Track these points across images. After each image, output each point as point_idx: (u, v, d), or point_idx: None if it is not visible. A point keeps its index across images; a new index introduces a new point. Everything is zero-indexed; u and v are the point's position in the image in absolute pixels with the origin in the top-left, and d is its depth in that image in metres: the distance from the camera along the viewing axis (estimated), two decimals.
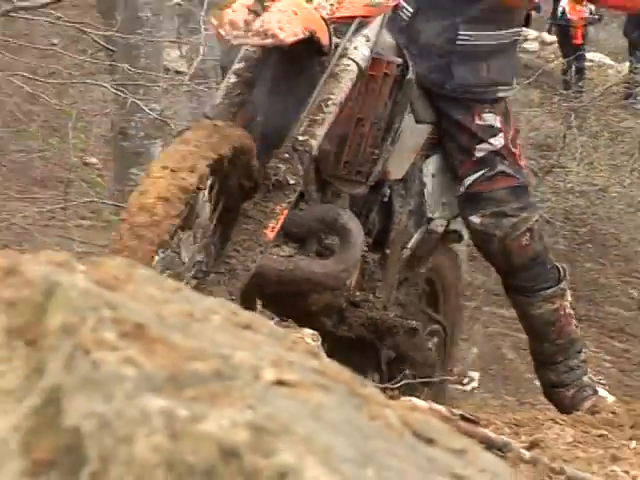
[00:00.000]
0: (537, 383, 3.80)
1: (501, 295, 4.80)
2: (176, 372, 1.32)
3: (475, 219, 3.24)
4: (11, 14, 7.78)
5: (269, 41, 2.52)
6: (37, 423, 1.35)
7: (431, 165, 3.18)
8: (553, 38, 15.91)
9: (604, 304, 10.78)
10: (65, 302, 1.36)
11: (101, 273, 1.47)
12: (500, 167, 3.21)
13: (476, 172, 3.21)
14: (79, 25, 9.06)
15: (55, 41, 12.22)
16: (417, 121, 3.08)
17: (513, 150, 3.26)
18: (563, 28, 14.64)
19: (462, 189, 3.28)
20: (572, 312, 3.49)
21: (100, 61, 10.01)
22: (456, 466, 1.30)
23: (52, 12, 8.47)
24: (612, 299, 11.01)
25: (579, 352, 3.45)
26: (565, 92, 12.65)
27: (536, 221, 3.33)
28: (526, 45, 14.56)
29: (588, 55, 14.82)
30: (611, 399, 3.50)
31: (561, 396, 3.45)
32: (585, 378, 3.47)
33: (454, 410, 2.21)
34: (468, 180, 3.23)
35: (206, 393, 1.32)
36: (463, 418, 2.13)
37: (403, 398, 2.06)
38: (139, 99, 8.57)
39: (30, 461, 1.36)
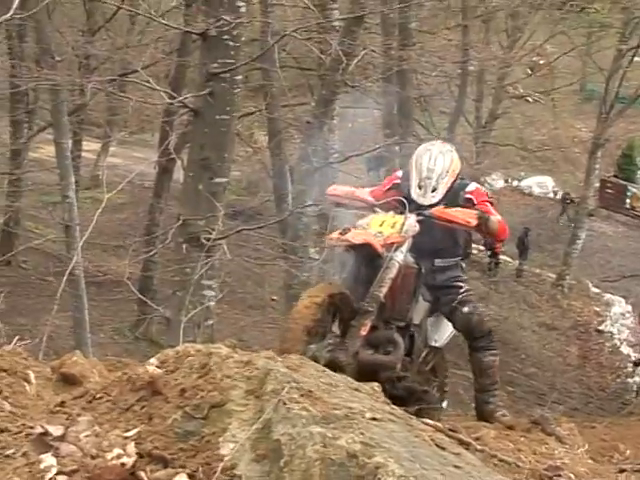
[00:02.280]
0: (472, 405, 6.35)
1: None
2: (326, 414, 2.71)
3: (465, 309, 5.85)
4: None
5: (347, 243, 5.19)
6: (259, 436, 2.74)
7: (429, 320, 5.91)
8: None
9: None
10: (274, 378, 2.79)
11: (288, 362, 2.90)
12: (472, 294, 6.04)
13: (463, 293, 5.93)
14: None
15: None
16: (424, 299, 5.79)
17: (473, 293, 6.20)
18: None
19: (456, 301, 5.87)
20: (497, 366, 6.01)
21: None
22: (456, 461, 2.68)
23: None
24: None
25: (497, 388, 6.01)
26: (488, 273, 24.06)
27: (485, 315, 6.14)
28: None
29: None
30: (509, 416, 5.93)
31: (487, 411, 5.90)
32: (499, 402, 6.01)
33: (446, 426, 3.72)
34: (460, 297, 5.88)
35: (340, 425, 2.69)
36: (450, 430, 3.63)
37: (427, 421, 3.57)
38: None
39: (255, 454, 2.73)
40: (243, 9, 10.62)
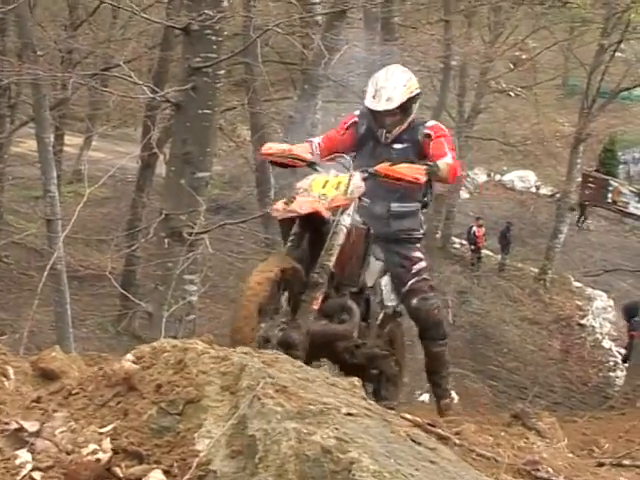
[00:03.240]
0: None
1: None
2: (301, 410, 2.72)
3: (414, 302, 5.72)
4: None
5: (295, 214, 4.84)
6: (234, 432, 2.75)
7: (383, 280, 5.68)
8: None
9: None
10: (249, 373, 2.80)
11: (265, 357, 2.91)
12: (424, 276, 5.78)
13: (413, 278, 5.71)
14: None
15: None
16: (376, 259, 5.56)
17: (429, 269, 5.95)
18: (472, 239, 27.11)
19: (405, 288, 5.71)
20: (447, 352, 6.02)
21: None
22: (432, 456, 2.69)
23: None
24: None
25: (446, 373, 6.02)
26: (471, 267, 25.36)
27: (439, 305, 5.98)
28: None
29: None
30: (456, 399, 6.09)
31: (437, 393, 5.98)
32: (447, 385, 6.02)
33: (424, 420, 3.74)
34: (409, 283, 5.70)
35: (315, 420, 2.71)
36: (429, 424, 3.65)
37: (402, 414, 3.58)
38: None
39: (230, 450, 2.74)
40: (225, 3, 10.61)
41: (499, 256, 27.61)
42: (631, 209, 30.75)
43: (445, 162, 5.44)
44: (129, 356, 3.05)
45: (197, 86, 10.62)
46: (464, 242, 27.51)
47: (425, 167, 5.30)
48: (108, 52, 16.35)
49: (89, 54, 17.73)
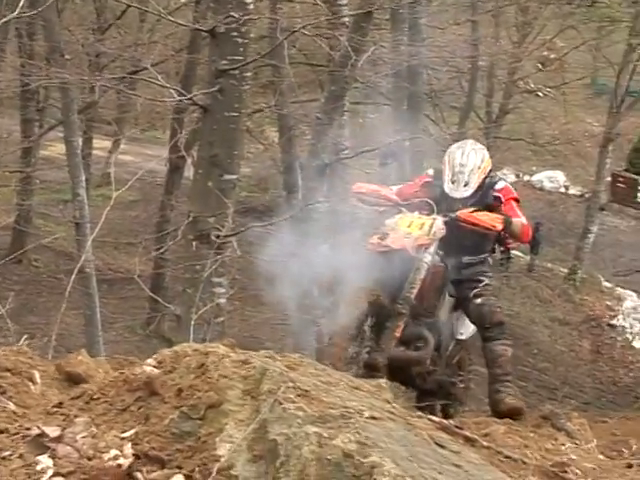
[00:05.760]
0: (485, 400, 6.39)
1: None
2: (322, 414, 2.69)
3: (477, 300, 6.01)
4: None
5: (387, 249, 5.47)
6: (255, 436, 2.73)
7: (455, 315, 6.11)
8: None
9: None
10: (270, 377, 2.77)
11: (287, 361, 2.88)
12: (489, 289, 6.19)
13: (478, 288, 6.07)
14: None
15: None
16: (449, 295, 5.98)
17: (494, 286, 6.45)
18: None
19: (471, 294, 6.05)
20: (510, 357, 6.12)
21: None
22: (455, 460, 2.66)
23: None
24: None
25: (509, 379, 6.05)
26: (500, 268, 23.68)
27: (501, 308, 6.39)
28: None
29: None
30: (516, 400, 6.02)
31: (497, 399, 5.93)
32: (510, 392, 6.01)
33: (451, 422, 3.70)
34: (475, 290, 6.06)
35: (337, 425, 2.68)
36: (456, 426, 3.61)
37: (426, 416, 3.57)
38: None
39: (252, 455, 2.72)
40: (251, 6, 10.60)
41: (528, 256, 27.43)
42: None
43: (520, 221, 5.99)
44: (150, 361, 3.04)
45: (224, 88, 10.62)
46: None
47: (502, 217, 5.83)
48: (135, 55, 16.37)
49: (117, 57, 17.79)
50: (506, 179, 31.60)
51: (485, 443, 4.22)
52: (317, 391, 2.79)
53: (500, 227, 5.78)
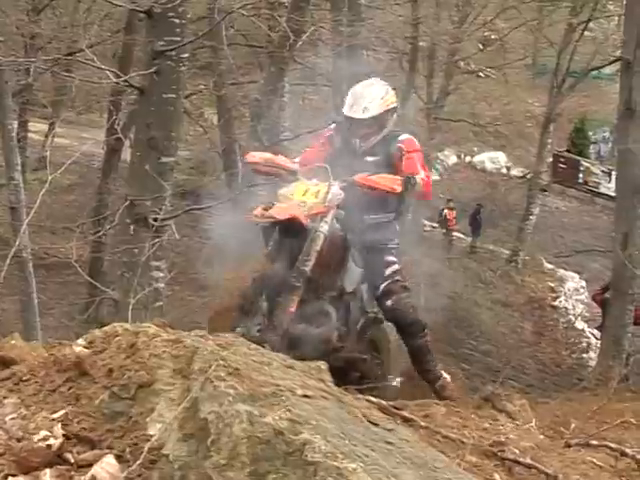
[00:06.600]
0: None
1: None
2: (253, 392, 2.69)
3: (388, 303, 5.79)
4: None
5: (272, 220, 5.10)
6: (186, 415, 2.71)
7: (364, 286, 5.81)
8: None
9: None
10: (201, 356, 2.76)
11: (219, 340, 2.87)
12: (397, 277, 5.85)
13: (386, 281, 5.80)
14: None
15: None
16: (356, 265, 5.69)
17: (402, 272, 5.97)
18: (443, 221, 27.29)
19: (379, 291, 5.79)
20: (429, 341, 6.00)
21: None
22: (388, 437, 2.67)
23: None
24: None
25: (433, 359, 6.05)
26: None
27: (413, 304, 5.99)
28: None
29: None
30: (449, 378, 6.07)
31: (430, 379, 5.96)
32: (438, 372, 6.03)
33: (389, 403, 3.71)
34: (382, 286, 5.78)
35: (268, 403, 2.67)
36: (393, 407, 3.63)
37: (361, 396, 3.56)
38: None
39: (182, 434, 2.70)
40: None
41: (470, 238, 27.62)
42: (602, 189, 30.71)
43: (420, 177, 5.69)
44: (80, 341, 3.01)
45: (161, 70, 10.49)
46: (435, 225, 27.46)
47: (402, 178, 5.56)
48: (71, 37, 16.15)
49: (52, 39, 17.53)
50: (447, 160, 31.13)
51: (423, 423, 4.25)
52: (249, 370, 2.79)
53: (399, 189, 5.52)
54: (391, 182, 5.53)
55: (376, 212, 5.77)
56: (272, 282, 5.12)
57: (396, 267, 5.88)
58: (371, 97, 5.84)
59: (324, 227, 5.31)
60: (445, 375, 6.07)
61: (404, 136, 5.93)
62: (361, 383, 5.74)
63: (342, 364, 5.51)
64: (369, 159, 5.83)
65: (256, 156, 5.74)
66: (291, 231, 5.20)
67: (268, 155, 5.76)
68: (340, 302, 5.57)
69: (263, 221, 5.16)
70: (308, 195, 5.35)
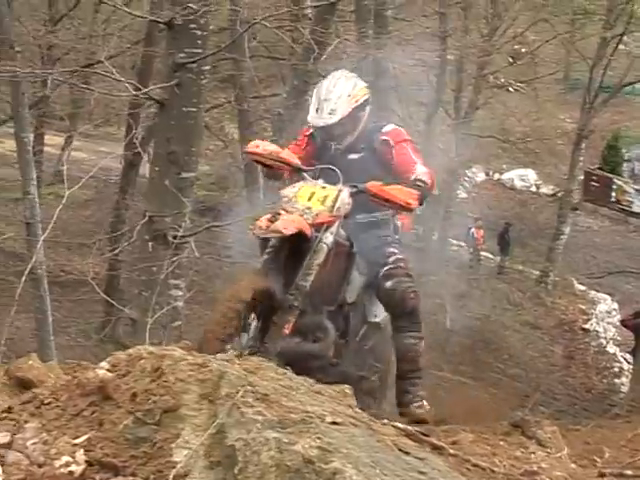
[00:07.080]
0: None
1: None
2: (282, 419, 2.61)
3: (387, 284, 5.31)
4: None
5: (279, 235, 4.59)
6: (213, 442, 2.63)
7: (366, 294, 5.37)
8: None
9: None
10: (228, 381, 2.68)
11: (246, 364, 2.79)
12: (400, 264, 5.38)
13: (388, 265, 5.33)
14: None
15: None
16: (359, 273, 5.25)
17: (406, 261, 5.49)
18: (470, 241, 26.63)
19: (380, 274, 5.31)
20: (422, 352, 5.45)
21: None
22: (420, 467, 2.58)
23: None
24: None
25: (419, 376, 5.45)
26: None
27: (415, 290, 5.44)
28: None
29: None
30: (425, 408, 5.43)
31: (404, 401, 5.36)
32: (418, 392, 5.42)
33: (416, 429, 3.60)
34: (384, 270, 5.33)
35: (297, 430, 2.59)
36: (422, 433, 3.52)
37: (391, 423, 3.43)
38: None
39: (209, 461, 2.62)
40: None
41: (498, 258, 26.97)
42: (635, 208, 30.01)
43: (425, 173, 5.17)
44: (104, 364, 2.93)
45: (181, 83, 10.48)
46: (462, 244, 26.74)
47: (418, 193, 5.00)
48: (90, 48, 16.12)
49: (70, 50, 17.49)
50: (476, 177, 30.69)
51: (452, 451, 4.10)
52: (277, 395, 2.70)
53: (416, 205, 4.96)
54: (407, 196, 4.94)
55: (367, 211, 5.29)
56: (266, 299, 4.58)
57: (399, 256, 5.42)
58: (336, 96, 5.25)
59: (329, 238, 4.81)
60: (423, 403, 5.46)
61: (388, 127, 5.43)
62: (357, 396, 5.38)
63: (337, 379, 4.84)
64: (352, 157, 5.32)
65: (260, 146, 5.12)
66: (292, 240, 4.69)
67: (273, 147, 5.15)
68: (339, 314, 5.15)
69: (269, 236, 4.61)
70: (314, 200, 4.81)
